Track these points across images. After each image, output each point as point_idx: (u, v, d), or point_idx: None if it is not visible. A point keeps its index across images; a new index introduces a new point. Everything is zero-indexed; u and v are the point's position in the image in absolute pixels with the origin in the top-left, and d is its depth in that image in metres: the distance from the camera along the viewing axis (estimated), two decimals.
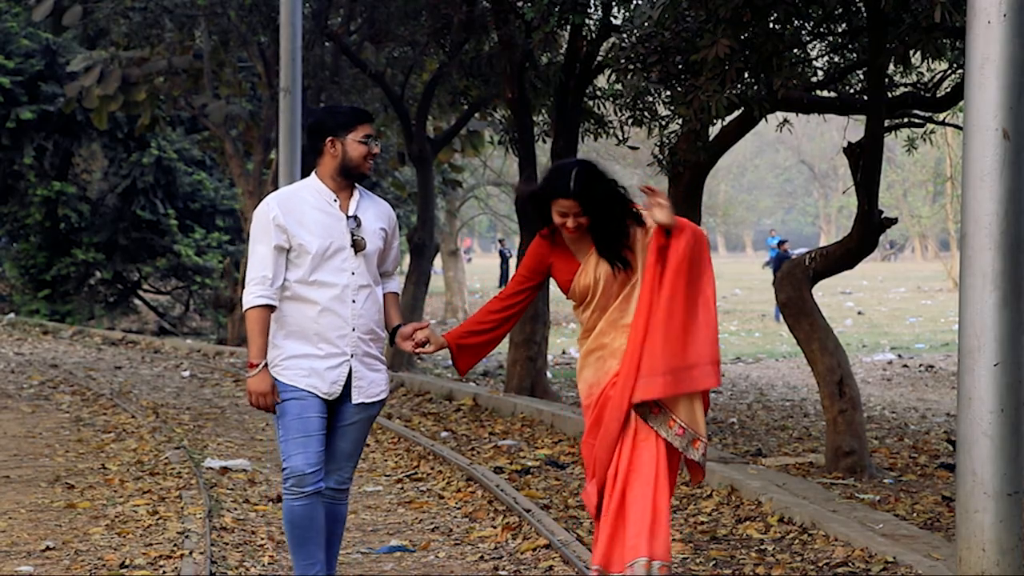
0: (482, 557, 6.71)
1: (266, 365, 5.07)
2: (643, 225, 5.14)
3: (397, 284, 5.41)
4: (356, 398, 5.16)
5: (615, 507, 5.13)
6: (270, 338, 5.11)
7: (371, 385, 5.20)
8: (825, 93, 10.60)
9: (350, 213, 5.15)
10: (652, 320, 5.08)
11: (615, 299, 5.19)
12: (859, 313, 32.16)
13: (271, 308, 5.08)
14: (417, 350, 5.18)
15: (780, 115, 10.80)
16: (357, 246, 5.12)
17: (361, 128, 5.13)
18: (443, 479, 8.83)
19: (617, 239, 5.13)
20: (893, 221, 9.28)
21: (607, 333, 5.20)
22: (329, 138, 5.12)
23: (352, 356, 5.14)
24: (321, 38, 18.40)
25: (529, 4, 11.02)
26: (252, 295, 5.06)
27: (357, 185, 5.22)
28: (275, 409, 5.11)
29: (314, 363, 5.10)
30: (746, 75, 8.37)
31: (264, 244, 5.06)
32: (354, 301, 5.12)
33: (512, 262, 38.86)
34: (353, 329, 5.12)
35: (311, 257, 5.06)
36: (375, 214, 5.22)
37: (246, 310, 5.08)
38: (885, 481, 8.86)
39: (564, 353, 22.53)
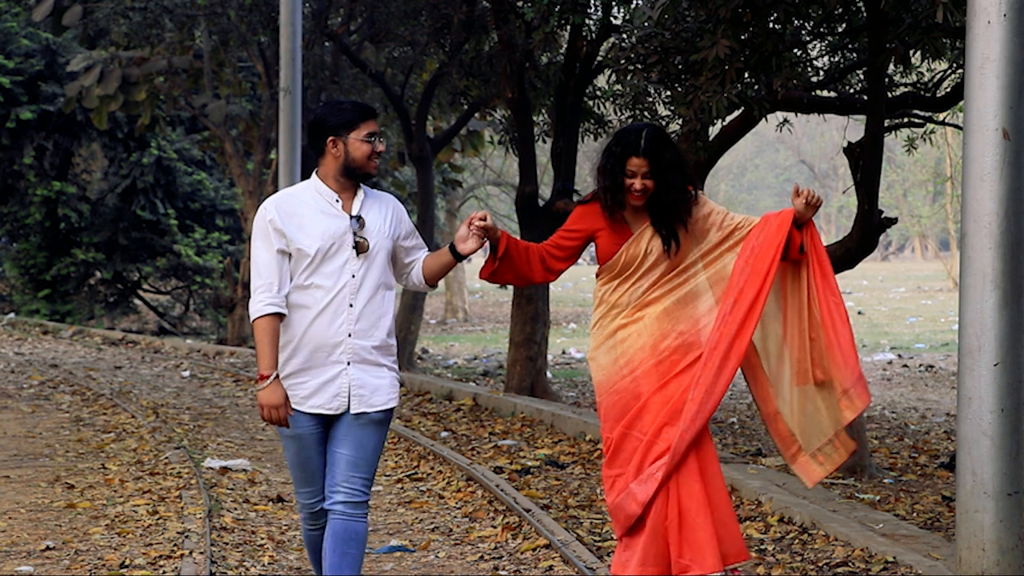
0: (482, 557, 6.71)
1: (277, 376, 4.76)
2: (696, 206, 5.11)
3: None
4: (356, 408, 4.84)
5: (700, 502, 4.99)
6: None
7: (374, 393, 4.86)
8: (825, 93, 10.61)
9: (353, 213, 4.86)
10: (822, 318, 5.07)
11: (664, 276, 5.10)
12: (859, 313, 32.13)
13: (280, 316, 4.78)
14: (479, 224, 4.91)
15: (780, 115, 10.80)
16: (359, 248, 4.81)
17: (365, 126, 4.83)
18: (443, 479, 8.83)
19: (675, 211, 5.06)
20: (893, 221, 9.28)
21: (643, 308, 5.10)
22: (331, 137, 4.83)
23: (349, 364, 4.82)
24: (321, 38, 18.41)
25: (529, 4, 11.02)
26: (260, 303, 4.76)
27: (362, 184, 4.93)
28: (288, 422, 4.79)
29: (311, 379, 4.81)
30: (746, 75, 8.37)
31: (265, 250, 4.79)
32: (351, 305, 4.80)
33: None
34: (350, 335, 4.80)
35: (309, 260, 4.78)
36: (380, 212, 4.91)
37: (254, 320, 4.78)
38: (885, 481, 8.86)
39: (564, 353, 22.53)
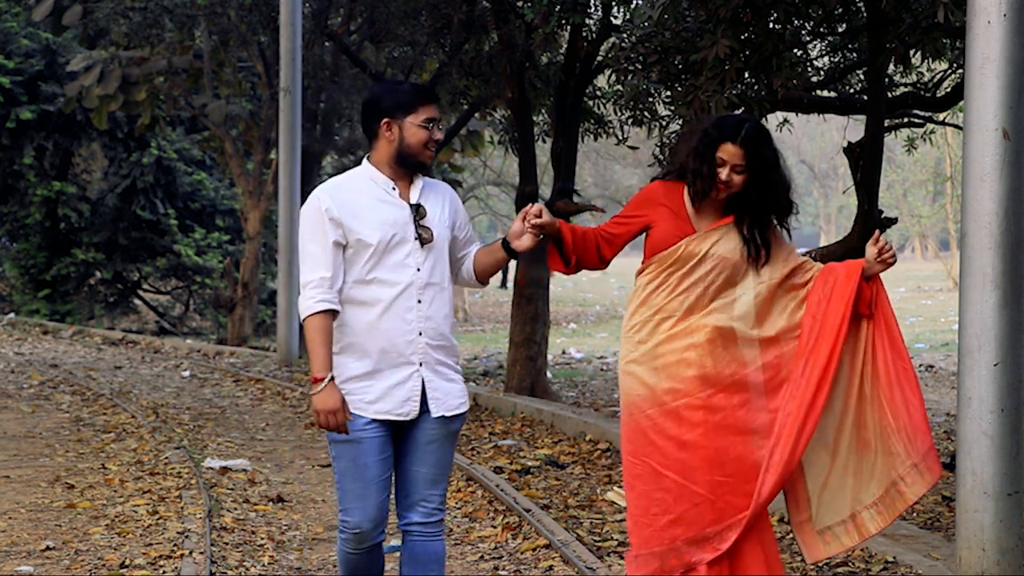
0: (482, 557, 6.71)
1: (332, 379, 4.35)
2: (782, 239, 4.62)
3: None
4: (436, 411, 4.44)
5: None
6: None
7: (448, 396, 4.49)
8: (825, 93, 10.61)
9: (412, 201, 4.48)
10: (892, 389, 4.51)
11: (721, 292, 4.55)
12: None
13: (333, 313, 4.38)
14: (535, 221, 4.44)
15: (780, 115, 10.81)
16: (423, 238, 4.44)
17: (424, 110, 4.43)
18: None
19: (765, 216, 4.56)
20: (893, 221, 9.28)
21: (695, 322, 4.53)
22: (385, 120, 4.43)
23: (422, 365, 4.43)
24: (321, 38, 18.41)
25: (529, 4, 11.02)
26: (311, 300, 4.34)
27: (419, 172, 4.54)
28: (347, 428, 4.38)
29: (378, 383, 4.40)
30: (746, 75, 8.37)
31: (317, 242, 4.38)
32: (420, 301, 4.42)
33: (511, 262, 38.87)
34: (420, 334, 4.42)
35: (371, 252, 4.38)
36: (438, 201, 4.53)
37: (305, 318, 4.36)
38: None
39: (564, 353, 22.52)
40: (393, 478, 4.57)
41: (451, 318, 4.53)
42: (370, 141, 4.51)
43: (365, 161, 4.53)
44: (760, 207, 4.56)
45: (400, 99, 4.43)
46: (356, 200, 4.42)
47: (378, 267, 4.40)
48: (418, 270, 4.43)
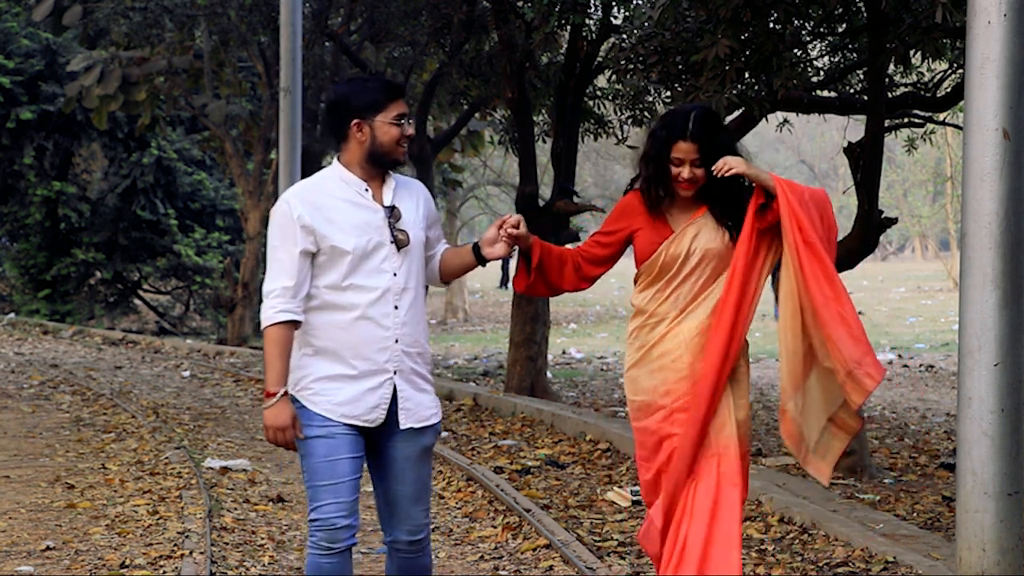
0: (482, 557, 6.71)
1: (285, 394, 4.23)
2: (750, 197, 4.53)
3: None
4: (404, 423, 4.33)
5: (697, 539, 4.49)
6: (295, 358, 4.28)
7: (419, 407, 4.38)
8: (825, 93, 10.61)
9: (386, 203, 4.34)
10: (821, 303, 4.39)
11: (709, 282, 4.54)
12: (859, 313, 32.02)
13: (295, 324, 4.25)
14: (511, 231, 4.36)
15: (780, 115, 10.81)
16: (399, 242, 4.30)
17: (394, 106, 4.28)
18: (443, 479, 8.83)
19: (736, 200, 4.50)
20: (893, 221, 9.27)
21: (683, 319, 4.54)
22: (355, 120, 4.28)
23: (396, 373, 4.31)
24: (321, 38, 18.41)
25: (529, 4, 11.02)
26: (272, 309, 4.22)
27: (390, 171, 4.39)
28: (295, 446, 4.27)
29: (350, 387, 4.27)
30: (746, 75, 8.37)
31: (285, 250, 4.24)
32: (396, 307, 4.29)
33: (512, 262, 38.91)
34: (396, 341, 4.29)
35: (348, 259, 4.24)
36: (412, 201, 4.39)
37: (265, 328, 4.24)
38: (885, 481, 8.86)
39: (564, 353, 22.52)
40: (374, 496, 4.52)
41: (425, 323, 4.41)
42: (338, 143, 4.35)
43: (335, 162, 4.38)
44: (728, 190, 4.51)
45: (369, 98, 4.28)
46: (328, 204, 4.28)
47: (354, 273, 4.27)
48: (395, 275, 4.30)
